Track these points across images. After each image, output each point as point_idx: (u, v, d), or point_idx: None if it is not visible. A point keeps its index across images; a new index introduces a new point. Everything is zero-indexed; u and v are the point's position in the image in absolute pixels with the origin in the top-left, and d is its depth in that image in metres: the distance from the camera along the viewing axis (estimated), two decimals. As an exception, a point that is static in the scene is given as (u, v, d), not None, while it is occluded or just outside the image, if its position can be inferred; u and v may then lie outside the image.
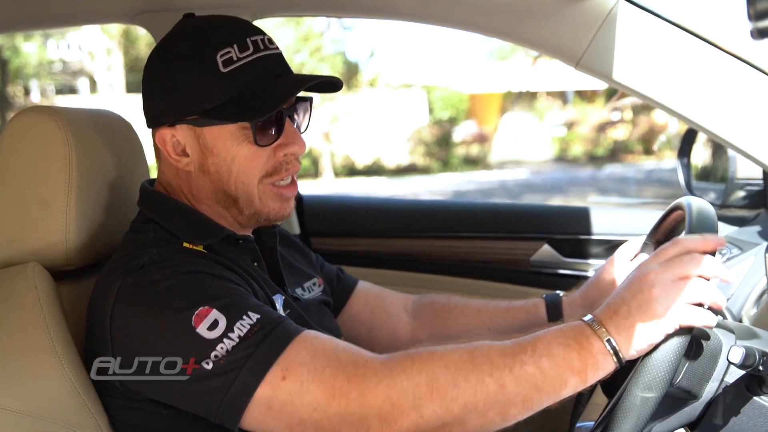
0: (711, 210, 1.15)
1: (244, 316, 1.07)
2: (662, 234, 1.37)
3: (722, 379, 1.14)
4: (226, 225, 1.28)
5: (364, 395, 1.02)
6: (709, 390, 1.14)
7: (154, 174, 1.44)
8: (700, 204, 1.16)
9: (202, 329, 1.06)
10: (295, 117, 1.29)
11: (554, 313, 1.49)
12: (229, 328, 1.06)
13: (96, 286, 1.21)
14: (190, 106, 1.20)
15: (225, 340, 1.05)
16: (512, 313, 1.53)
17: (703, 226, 1.11)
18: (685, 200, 1.20)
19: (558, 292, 1.53)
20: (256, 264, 1.31)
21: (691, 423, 1.18)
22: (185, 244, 1.22)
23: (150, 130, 1.30)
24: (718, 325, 1.19)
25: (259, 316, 1.08)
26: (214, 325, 1.06)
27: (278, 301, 1.29)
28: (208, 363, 1.05)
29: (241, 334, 1.05)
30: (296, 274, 1.45)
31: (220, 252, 1.23)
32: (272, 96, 1.20)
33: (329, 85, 1.26)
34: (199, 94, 1.20)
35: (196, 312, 1.07)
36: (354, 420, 1.02)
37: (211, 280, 1.13)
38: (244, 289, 1.16)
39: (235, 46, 1.20)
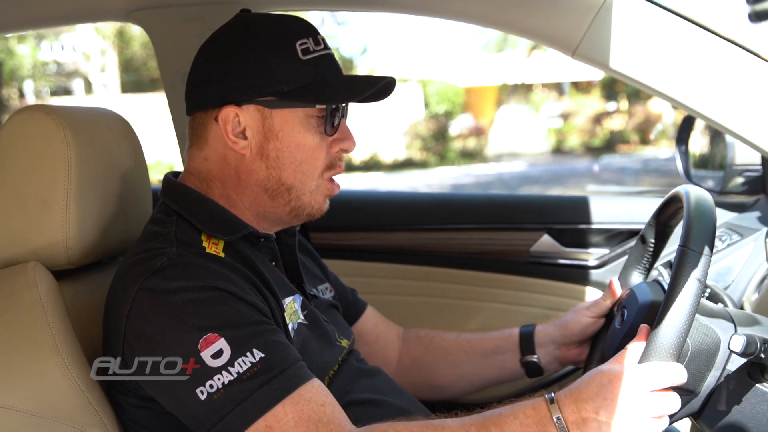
0: (709, 199, 1.15)
1: (248, 353, 1.08)
2: (666, 217, 1.38)
3: (724, 368, 1.14)
4: (255, 222, 1.29)
5: None
6: (711, 379, 1.14)
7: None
8: (698, 193, 1.17)
9: (206, 355, 1.08)
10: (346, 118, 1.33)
11: (526, 343, 1.55)
12: (231, 362, 1.08)
13: (115, 278, 1.21)
14: (267, 87, 1.22)
15: (224, 372, 1.07)
16: (487, 337, 1.60)
17: (701, 216, 1.11)
18: (684, 189, 1.20)
19: (533, 323, 1.58)
20: (273, 263, 1.31)
21: (694, 413, 1.18)
22: (205, 244, 1.21)
23: (190, 116, 1.30)
24: (718, 314, 1.20)
25: (263, 356, 1.09)
26: (218, 354, 1.08)
27: (297, 301, 1.29)
28: (202, 392, 1.07)
29: (240, 371, 1.07)
30: (311, 276, 1.46)
31: (240, 251, 1.23)
32: (352, 86, 1.26)
33: (381, 93, 1.30)
34: (278, 76, 1.22)
35: (204, 336, 1.08)
36: None
37: (227, 301, 1.13)
38: (260, 310, 1.16)
39: (310, 38, 1.25)
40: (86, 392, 1.17)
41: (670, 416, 1.08)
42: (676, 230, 1.36)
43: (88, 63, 17.28)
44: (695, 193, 1.17)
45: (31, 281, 1.21)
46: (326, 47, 1.27)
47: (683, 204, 1.16)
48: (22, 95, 16.66)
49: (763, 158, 1.90)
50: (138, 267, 1.16)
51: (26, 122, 1.27)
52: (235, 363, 1.07)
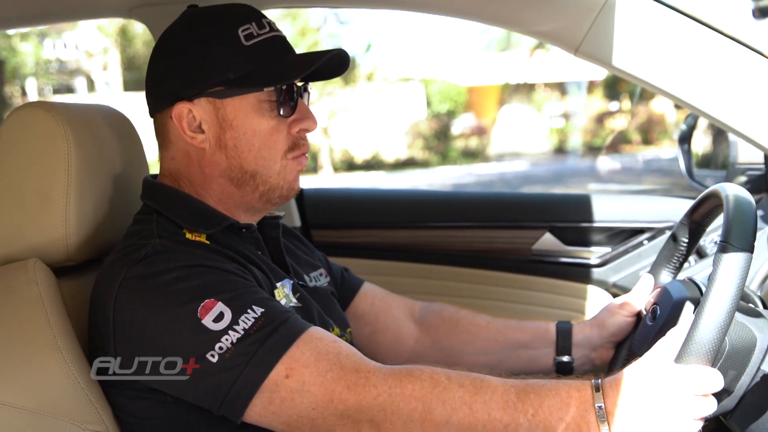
0: (748, 196, 1.14)
1: (249, 310, 1.09)
2: (699, 216, 1.36)
3: (758, 368, 1.13)
4: (230, 214, 1.29)
5: (360, 404, 1.06)
6: (746, 378, 1.13)
7: (153, 169, 1.43)
8: (736, 190, 1.15)
9: (207, 321, 1.07)
10: (305, 97, 1.32)
11: (563, 342, 1.50)
12: (234, 320, 1.07)
13: (98, 277, 1.21)
14: (213, 78, 1.22)
15: (230, 332, 1.07)
16: (521, 328, 1.54)
17: (742, 211, 1.10)
18: (721, 187, 1.19)
19: (569, 322, 1.53)
20: (259, 253, 1.31)
21: (725, 412, 1.17)
22: (188, 235, 1.22)
23: (152, 118, 1.31)
24: (753, 314, 1.18)
25: (263, 310, 1.09)
26: (219, 318, 1.08)
27: (287, 286, 1.29)
28: (213, 356, 1.06)
29: (246, 327, 1.07)
30: (301, 264, 1.45)
31: (223, 242, 1.23)
32: (296, 64, 1.24)
33: (336, 67, 1.30)
34: (222, 66, 1.22)
35: (202, 304, 1.08)
36: (348, 423, 1.07)
37: (216, 272, 1.13)
38: (248, 280, 1.17)
39: (253, 23, 1.24)
40: (86, 389, 1.17)
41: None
42: (709, 229, 1.36)
43: (90, 61, 17.28)
44: (734, 190, 1.15)
45: (31, 278, 1.21)
46: (272, 29, 1.26)
47: (722, 201, 1.15)
48: (24, 93, 16.66)
49: (765, 157, 1.90)
50: (121, 260, 1.16)
51: (27, 119, 1.28)
52: (239, 321, 1.07)
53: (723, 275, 1.04)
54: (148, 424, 1.21)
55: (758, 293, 1.56)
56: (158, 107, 1.28)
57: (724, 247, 1.06)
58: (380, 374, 1.07)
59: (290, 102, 1.25)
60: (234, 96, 1.23)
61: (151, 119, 1.32)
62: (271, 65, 1.23)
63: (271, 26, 1.27)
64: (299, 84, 1.29)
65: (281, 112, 1.24)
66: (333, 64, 1.29)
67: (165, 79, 1.26)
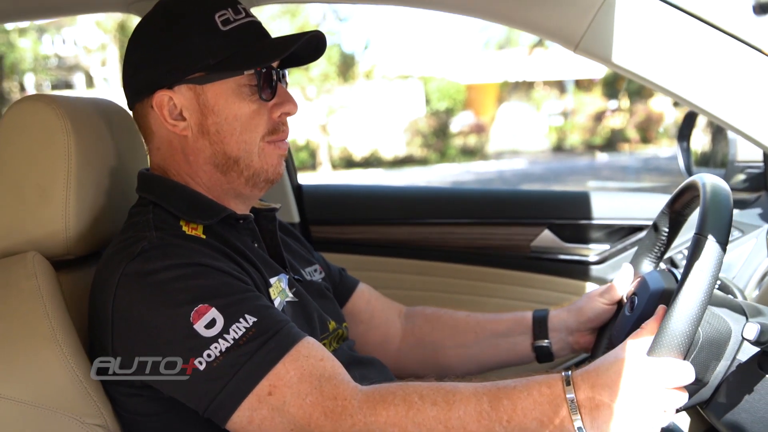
0: (725, 188, 1.14)
1: (241, 319, 1.09)
2: (680, 206, 1.37)
3: (734, 358, 1.13)
4: (221, 203, 1.29)
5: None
6: (721, 369, 1.13)
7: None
8: (714, 182, 1.15)
9: (199, 326, 1.08)
10: (284, 83, 1.32)
11: (539, 327, 1.53)
12: (225, 329, 1.08)
13: (97, 272, 1.21)
14: (193, 64, 1.22)
15: (220, 340, 1.07)
16: (499, 319, 1.57)
17: (718, 204, 1.10)
18: (699, 178, 1.19)
19: (546, 308, 1.56)
20: (256, 245, 1.31)
21: (702, 402, 1.17)
22: (185, 228, 1.22)
23: (132, 110, 1.31)
24: (729, 304, 1.19)
25: (255, 320, 1.10)
26: (211, 324, 1.08)
27: (283, 280, 1.29)
28: (201, 363, 1.07)
29: (236, 336, 1.08)
30: (297, 258, 1.46)
31: (220, 234, 1.24)
32: (274, 46, 1.24)
33: (314, 50, 1.31)
34: (201, 52, 1.22)
35: (196, 308, 1.08)
36: None
37: (212, 274, 1.13)
38: (244, 282, 1.17)
39: (229, 9, 1.25)
40: (84, 382, 1.17)
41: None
42: (689, 219, 1.36)
43: (89, 57, 17.27)
44: (711, 182, 1.15)
45: (30, 271, 1.21)
46: (248, 15, 1.27)
47: (699, 193, 1.15)
48: (23, 89, 16.64)
49: (764, 155, 1.90)
50: (119, 254, 1.16)
51: (27, 112, 1.27)
52: (230, 330, 1.08)
53: (696, 267, 1.04)
54: (144, 420, 1.21)
55: (756, 292, 1.56)
56: (138, 97, 1.28)
57: (699, 237, 1.06)
58: (356, 401, 1.08)
59: (270, 86, 1.26)
60: (214, 81, 1.23)
61: (131, 111, 1.33)
62: (249, 49, 1.24)
63: (247, 12, 1.27)
64: (277, 69, 1.29)
65: (262, 96, 1.25)
66: (310, 47, 1.29)
67: (144, 68, 1.26)
